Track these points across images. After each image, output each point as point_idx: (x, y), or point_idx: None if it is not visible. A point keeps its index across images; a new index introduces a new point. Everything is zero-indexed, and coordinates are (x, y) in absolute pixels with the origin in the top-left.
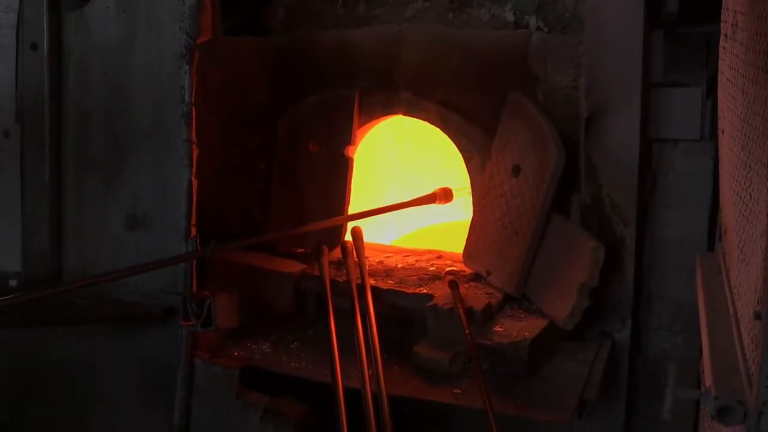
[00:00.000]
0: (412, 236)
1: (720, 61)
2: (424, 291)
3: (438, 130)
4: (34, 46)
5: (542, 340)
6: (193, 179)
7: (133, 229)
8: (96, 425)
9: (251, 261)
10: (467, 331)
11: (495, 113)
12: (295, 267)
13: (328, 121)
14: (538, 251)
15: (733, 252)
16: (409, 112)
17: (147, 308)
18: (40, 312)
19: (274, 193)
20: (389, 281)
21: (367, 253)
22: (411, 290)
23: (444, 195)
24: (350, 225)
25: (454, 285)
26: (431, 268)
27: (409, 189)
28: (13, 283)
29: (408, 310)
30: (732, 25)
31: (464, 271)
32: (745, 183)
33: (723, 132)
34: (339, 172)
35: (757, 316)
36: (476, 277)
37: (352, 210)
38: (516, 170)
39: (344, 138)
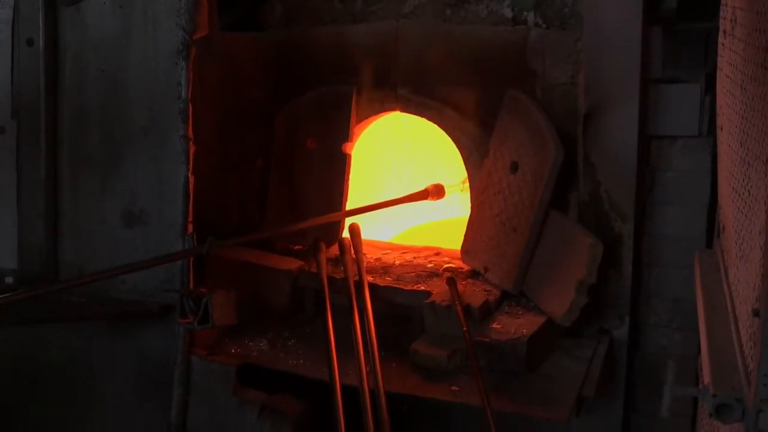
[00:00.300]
0: (409, 233)
1: (719, 58)
2: (422, 288)
3: (436, 126)
4: (30, 42)
5: (540, 337)
6: (189, 176)
7: (129, 226)
8: (93, 423)
9: (248, 258)
10: (465, 328)
11: (493, 110)
12: (292, 264)
13: (325, 117)
14: (536, 248)
15: (731, 249)
16: (407, 108)
17: (144, 305)
18: (37, 310)
19: (271, 189)
20: (387, 278)
21: (364, 249)
22: (409, 287)
23: (436, 191)
24: (347, 222)
25: (451, 282)
26: (429, 265)
27: (407, 185)
28: (8, 280)
29: (406, 307)
30: (731, 21)
31: (462, 268)
32: (743, 180)
33: (722, 129)
34: (336, 168)
35: (756, 313)
36: (474, 274)
37: (350, 207)
38: (514, 167)
39: (342, 134)
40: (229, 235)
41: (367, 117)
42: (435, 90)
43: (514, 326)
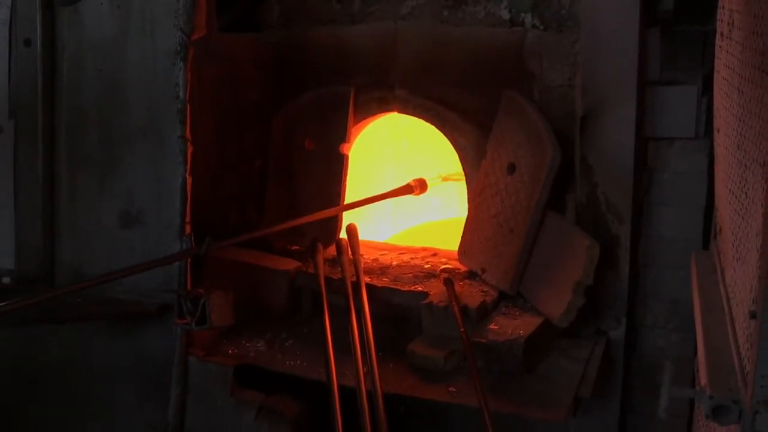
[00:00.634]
0: (407, 234)
1: (716, 60)
2: (419, 289)
3: (433, 127)
4: (28, 42)
5: (537, 338)
6: (187, 176)
7: (127, 227)
8: (92, 422)
9: (246, 258)
10: (462, 329)
11: (490, 111)
12: (290, 264)
13: (323, 118)
14: (533, 249)
15: (728, 251)
16: (405, 109)
17: (142, 306)
18: (35, 310)
19: (269, 190)
20: (384, 279)
21: (362, 250)
22: (406, 288)
23: (419, 185)
24: (345, 222)
25: (449, 283)
26: (426, 266)
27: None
28: (6, 280)
29: (403, 307)
30: (728, 23)
31: (459, 269)
32: (740, 182)
33: (719, 131)
34: (334, 169)
35: (753, 315)
36: (471, 275)
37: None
38: (511, 168)
39: (340, 135)
40: (227, 236)
41: (364, 118)
42: (432, 91)
43: (512, 327)
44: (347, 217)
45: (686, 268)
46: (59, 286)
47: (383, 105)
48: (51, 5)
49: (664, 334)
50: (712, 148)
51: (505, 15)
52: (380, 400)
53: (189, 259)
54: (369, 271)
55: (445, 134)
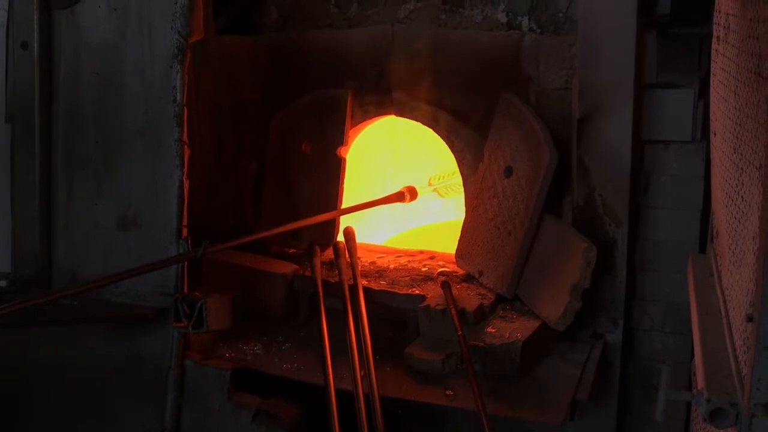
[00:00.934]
0: (404, 236)
1: (712, 64)
2: (417, 292)
3: (431, 130)
4: (25, 45)
5: (534, 341)
6: (184, 179)
7: (124, 229)
8: (88, 425)
9: (243, 261)
10: (459, 332)
11: (488, 114)
12: (287, 268)
13: (320, 121)
14: (531, 252)
15: (725, 254)
16: (402, 112)
17: (139, 309)
18: (32, 313)
19: (266, 193)
20: (382, 282)
21: (359, 253)
22: (403, 291)
23: (410, 193)
24: (342, 225)
25: (446, 286)
26: (424, 269)
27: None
28: (2, 283)
29: (400, 311)
30: (724, 27)
31: (457, 272)
32: (737, 185)
33: (715, 134)
34: (331, 172)
35: (749, 318)
36: (469, 278)
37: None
38: (508, 171)
39: (337, 138)
40: (224, 239)
41: (362, 121)
42: (430, 94)
43: (509, 330)
44: (345, 220)
45: (683, 272)
46: (56, 288)
47: (380, 108)
48: (48, 8)
49: (661, 337)
50: (708, 151)
51: (503, 18)
52: (377, 403)
53: (186, 263)
54: (366, 275)
55: (442, 137)
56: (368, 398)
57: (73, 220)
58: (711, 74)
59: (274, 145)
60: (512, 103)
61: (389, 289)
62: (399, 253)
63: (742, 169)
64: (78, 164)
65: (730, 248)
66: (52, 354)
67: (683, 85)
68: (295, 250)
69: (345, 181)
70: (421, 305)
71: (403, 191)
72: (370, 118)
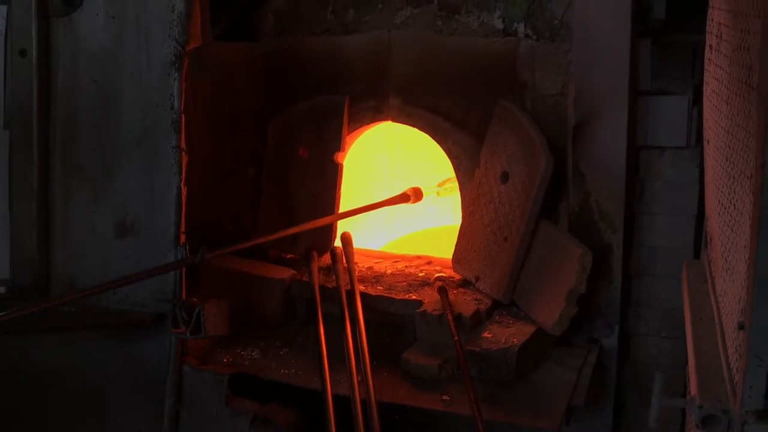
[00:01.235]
0: (401, 241)
1: (705, 72)
2: (414, 297)
3: (427, 136)
4: (23, 53)
5: (530, 346)
6: (182, 186)
7: (121, 236)
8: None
9: (241, 267)
10: (456, 338)
11: (484, 120)
12: (284, 273)
13: (317, 126)
14: (527, 258)
15: (718, 261)
16: (399, 118)
17: (137, 316)
18: (30, 320)
19: (264, 199)
20: (379, 287)
21: (356, 258)
22: (400, 296)
23: (415, 194)
24: (339, 230)
25: (443, 291)
26: (420, 274)
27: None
28: (1, 290)
29: (397, 316)
30: (717, 36)
31: (453, 277)
32: (729, 193)
33: (708, 141)
34: (329, 178)
35: (741, 326)
36: (465, 283)
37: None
38: (505, 177)
39: (334, 144)
40: (221, 245)
41: (359, 126)
42: (426, 100)
43: (505, 336)
44: (342, 226)
45: (678, 277)
46: (54, 295)
47: (377, 114)
48: (46, 16)
49: (657, 342)
50: (703, 157)
51: (499, 25)
52: (374, 408)
53: (184, 269)
54: (363, 280)
55: (438, 143)
56: (365, 403)
57: (71, 226)
58: (704, 82)
59: (271, 151)
60: (508, 109)
61: (386, 295)
62: (396, 258)
63: (733, 177)
64: (76, 171)
65: (722, 255)
66: (51, 360)
67: (678, 92)
68: (292, 256)
69: (342, 186)
70: (418, 310)
71: (407, 192)
72: (367, 123)
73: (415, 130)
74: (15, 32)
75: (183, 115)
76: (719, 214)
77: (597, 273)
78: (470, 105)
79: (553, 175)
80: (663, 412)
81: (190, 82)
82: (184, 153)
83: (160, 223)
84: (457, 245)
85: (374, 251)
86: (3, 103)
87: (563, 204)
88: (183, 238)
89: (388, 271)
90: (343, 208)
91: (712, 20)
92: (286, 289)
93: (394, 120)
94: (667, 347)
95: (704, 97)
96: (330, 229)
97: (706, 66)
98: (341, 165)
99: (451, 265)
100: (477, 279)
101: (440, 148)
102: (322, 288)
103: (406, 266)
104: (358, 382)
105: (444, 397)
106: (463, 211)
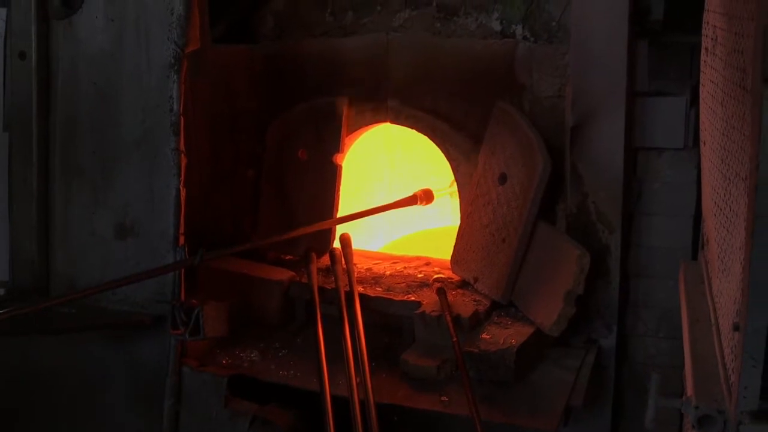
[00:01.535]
0: (400, 242)
1: (701, 74)
2: (412, 298)
3: (426, 137)
4: (22, 55)
5: (529, 347)
6: (181, 188)
7: (121, 238)
8: None
9: (240, 268)
10: (455, 339)
11: (482, 122)
12: (283, 274)
13: (316, 128)
14: (525, 259)
15: (714, 262)
16: (397, 120)
17: (136, 317)
18: (30, 321)
19: (263, 200)
20: (377, 288)
21: (355, 259)
22: (399, 297)
23: (425, 196)
24: (338, 232)
25: (441, 292)
26: (419, 275)
27: (399, 195)
28: (0, 291)
29: (396, 317)
30: (712, 39)
31: (452, 278)
32: (725, 195)
33: (704, 143)
34: (328, 179)
35: (736, 327)
36: (464, 284)
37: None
38: (503, 178)
39: (333, 145)
40: (221, 246)
41: (357, 128)
42: (425, 102)
43: (503, 336)
44: (341, 227)
45: (676, 278)
46: (54, 297)
47: (376, 116)
48: (46, 18)
49: (655, 343)
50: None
51: (497, 26)
52: (373, 409)
53: (183, 270)
54: (362, 281)
55: (437, 144)
56: (364, 404)
57: (71, 228)
58: (700, 84)
59: (270, 152)
60: (506, 111)
61: (385, 296)
62: (395, 260)
63: (729, 179)
64: (75, 173)
65: (718, 256)
66: (51, 361)
67: (675, 93)
68: (291, 257)
69: (342, 188)
70: (417, 312)
71: (416, 194)
72: (366, 125)
73: (414, 131)
74: (14, 35)
75: (182, 118)
76: (715, 215)
77: (595, 274)
78: (468, 107)
79: (551, 177)
80: (661, 413)
81: (190, 85)
82: (183, 155)
83: (159, 224)
84: (455, 246)
85: (373, 252)
86: (3, 106)
87: (561, 205)
88: (182, 239)
89: (387, 272)
90: (342, 209)
91: (708, 23)
92: (285, 291)
93: (393, 122)
94: (665, 348)
95: (700, 99)
96: (329, 231)
97: (702, 68)
98: (340, 167)
99: (449, 266)
100: (475, 280)
101: (439, 150)
102: (321, 289)
103: (405, 267)
104: (357, 384)
105: (442, 398)
106: (461, 213)
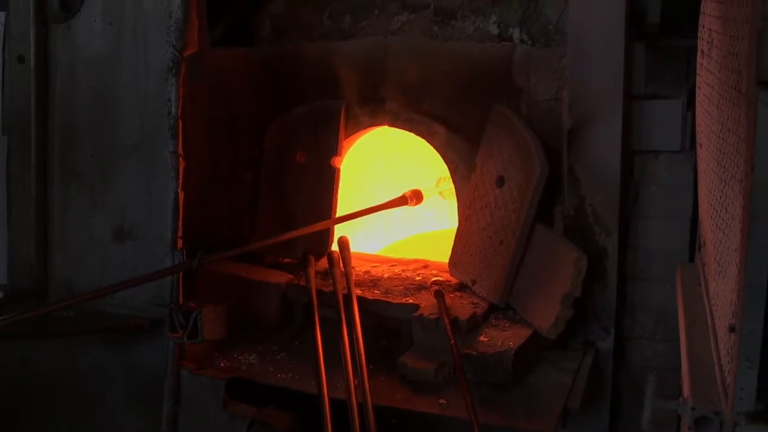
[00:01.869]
0: (398, 245)
1: (697, 77)
2: (410, 301)
3: (423, 140)
4: (21, 59)
5: (527, 349)
6: (179, 191)
7: (119, 241)
8: None
9: (238, 271)
10: (453, 341)
11: (480, 125)
12: (282, 277)
13: (315, 131)
14: (522, 261)
15: (711, 264)
16: (395, 123)
17: (134, 320)
18: (28, 325)
19: (261, 203)
20: (375, 291)
21: (353, 262)
22: (397, 300)
23: (414, 196)
24: (336, 234)
25: (439, 295)
26: (417, 278)
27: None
28: None
29: (394, 320)
30: (708, 42)
31: (450, 281)
32: (720, 197)
33: (701, 146)
34: (326, 182)
35: (732, 329)
36: (462, 287)
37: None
38: (500, 181)
39: (331, 148)
40: (218, 250)
41: (355, 131)
42: (422, 105)
43: (501, 339)
44: (339, 230)
45: (673, 280)
46: (52, 300)
47: (374, 119)
48: (44, 22)
49: (652, 345)
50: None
51: (494, 30)
52: (371, 412)
53: (181, 273)
54: (360, 284)
55: (434, 147)
56: (362, 407)
57: (69, 232)
58: (696, 87)
59: (269, 155)
60: (504, 114)
61: (383, 299)
62: (393, 262)
63: (725, 181)
64: (74, 177)
65: (715, 258)
66: (50, 364)
67: (672, 96)
68: (289, 260)
69: (339, 190)
70: (415, 314)
71: (406, 195)
72: (364, 128)
73: (412, 134)
74: (13, 38)
75: (180, 121)
76: (712, 217)
77: (592, 276)
78: (466, 110)
79: (549, 180)
80: (658, 415)
81: (188, 88)
82: (181, 158)
83: (157, 227)
84: (453, 249)
85: (371, 255)
86: (1, 109)
87: (558, 208)
88: (180, 242)
89: (385, 275)
90: (340, 212)
91: (704, 26)
92: (283, 294)
93: (391, 125)
94: (662, 350)
95: (697, 101)
96: (327, 234)
97: (698, 71)
98: (338, 169)
99: (447, 269)
100: (473, 282)
101: (436, 153)
102: (319, 292)
103: (403, 270)
104: (355, 386)
105: (440, 401)
106: (459, 215)
